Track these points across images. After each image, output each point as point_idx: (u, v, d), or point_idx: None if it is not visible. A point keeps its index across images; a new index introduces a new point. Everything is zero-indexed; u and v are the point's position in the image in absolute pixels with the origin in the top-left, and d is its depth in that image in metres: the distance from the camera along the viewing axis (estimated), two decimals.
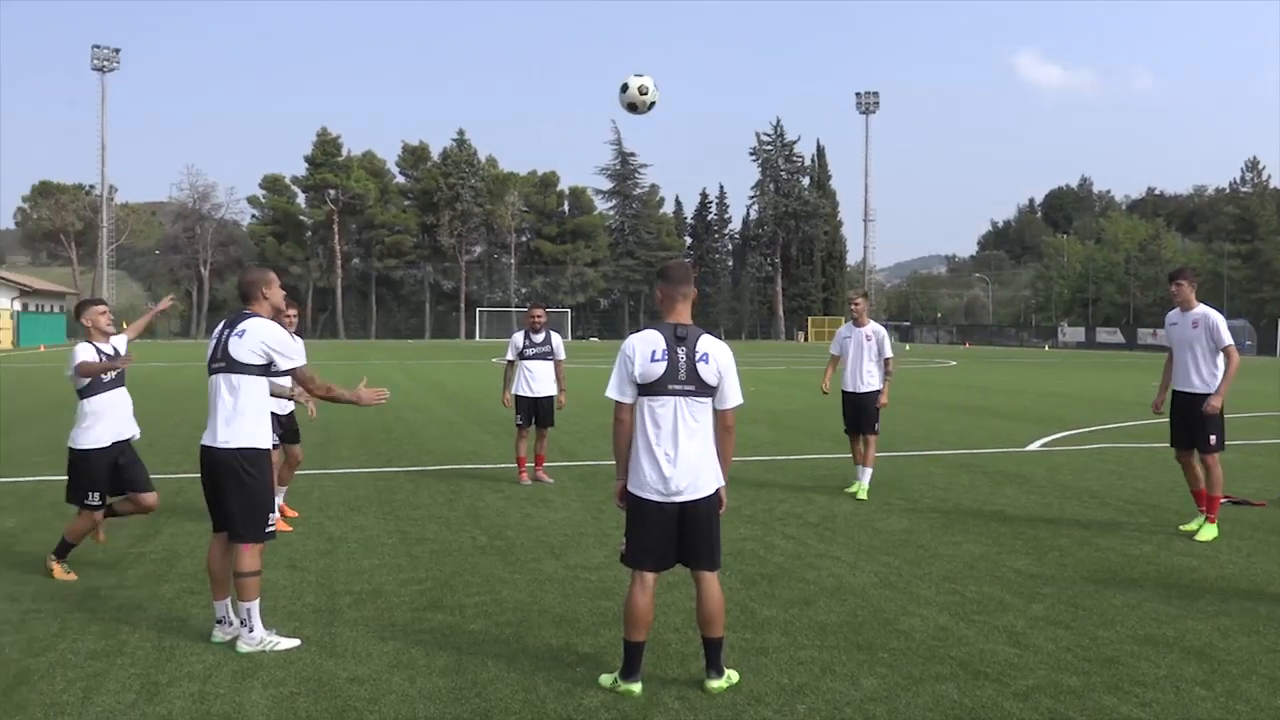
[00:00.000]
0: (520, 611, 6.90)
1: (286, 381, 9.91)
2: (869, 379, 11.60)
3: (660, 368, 5.33)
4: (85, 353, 7.71)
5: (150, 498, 8.01)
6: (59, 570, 7.71)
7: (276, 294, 6.61)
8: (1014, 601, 7.17)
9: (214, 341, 6.38)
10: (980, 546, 8.91)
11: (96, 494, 7.73)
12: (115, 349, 8.00)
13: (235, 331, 6.26)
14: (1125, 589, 7.51)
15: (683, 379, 5.35)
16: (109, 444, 7.74)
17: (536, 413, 12.23)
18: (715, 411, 5.50)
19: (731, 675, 5.52)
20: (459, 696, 5.37)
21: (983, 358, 60.33)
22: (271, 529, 6.32)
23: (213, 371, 6.29)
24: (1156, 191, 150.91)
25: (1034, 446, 15.98)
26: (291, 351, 6.39)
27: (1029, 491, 11.73)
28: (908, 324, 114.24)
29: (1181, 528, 9.61)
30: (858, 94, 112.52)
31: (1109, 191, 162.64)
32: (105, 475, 7.73)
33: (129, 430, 7.97)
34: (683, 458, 5.32)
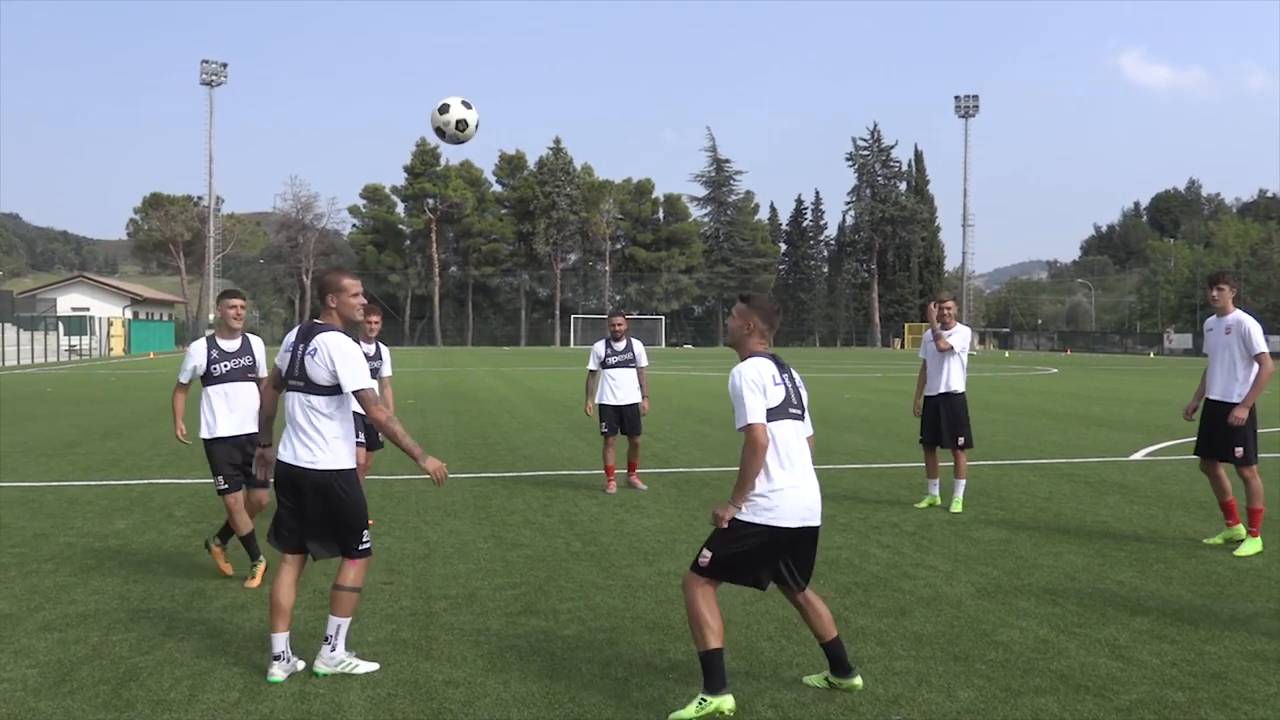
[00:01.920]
0: (613, 617, 6.93)
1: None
2: (954, 383, 11.10)
3: (780, 393, 5.36)
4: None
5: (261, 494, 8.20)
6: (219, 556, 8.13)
7: (348, 304, 6.03)
8: (1117, 614, 7.01)
9: (288, 355, 5.97)
10: (1082, 558, 8.72)
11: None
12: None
13: (308, 348, 5.89)
14: (1233, 602, 7.29)
15: (795, 403, 5.43)
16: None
17: (622, 420, 12.22)
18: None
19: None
20: (552, 701, 5.40)
21: (1085, 365, 59.04)
22: (368, 545, 5.95)
23: (290, 389, 5.93)
24: (1269, 194, 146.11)
25: (1138, 456, 15.59)
26: (352, 373, 5.83)
27: (1133, 501, 11.45)
28: (1007, 330, 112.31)
29: (1206, 541, 9.26)
30: (957, 97, 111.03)
31: (1218, 194, 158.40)
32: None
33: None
34: (807, 481, 5.34)
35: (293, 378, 5.91)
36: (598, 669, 5.90)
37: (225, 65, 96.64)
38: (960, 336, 11.12)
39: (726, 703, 5.11)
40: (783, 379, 5.39)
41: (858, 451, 15.90)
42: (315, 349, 5.85)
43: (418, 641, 6.39)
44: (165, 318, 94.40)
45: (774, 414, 5.30)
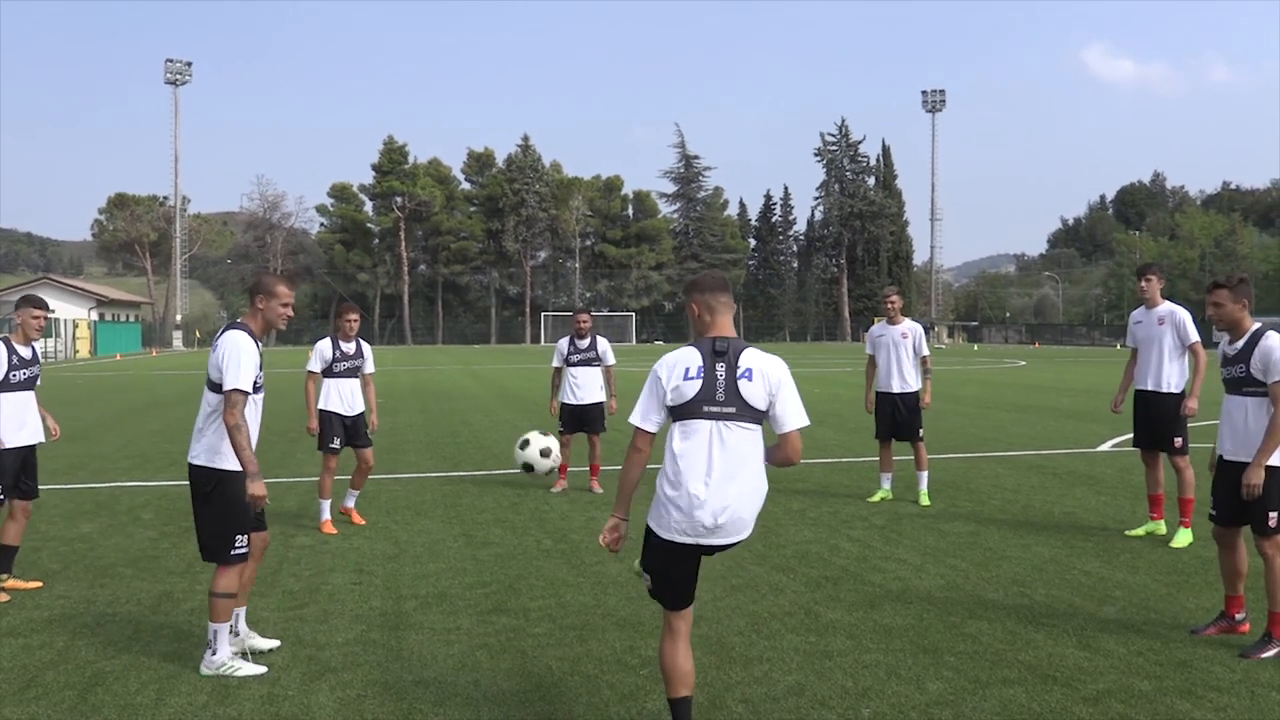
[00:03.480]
0: (584, 614, 6.92)
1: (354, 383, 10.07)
2: (907, 379, 11.13)
3: (694, 387, 4.59)
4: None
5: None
6: None
7: (275, 310, 6.13)
8: (1084, 604, 7.06)
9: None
10: (1050, 549, 8.79)
11: None
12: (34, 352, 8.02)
13: (213, 345, 6.00)
14: (1199, 592, 7.37)
15: (721, 399, 4.58)
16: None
17: (582, 420, 12.07)
18: (778, 437, 4.75)
19: None
20: (523, 699, 5.39)
21: (1053, 357, 59.47)
22: (240, 551, 5.91)
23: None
24: (1233, 186, 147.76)
25: (1105, 447, 15.72)
26: (231, 371, 5.77)
27: (1100, 493, 11.54)
28: (976, 324, 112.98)
29: (1129, 533, 9.31)
30: (924, 92, 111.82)
31: (1183, 187, 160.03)
32: None
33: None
34: (721, 493, 4.53)
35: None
36: (568, 666, 5.90)
37: (190, 64, 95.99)
38: (909, 329, 11.20)
39: None
40: (709, 369, 4.61)
41: (828, 446, 15.95)
42: (215, 345, 5.96)
43: (387, 642, 6.37)
44: (132, 319, 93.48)
45: (681, 412, 4.64)
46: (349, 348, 10.00)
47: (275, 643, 6.28)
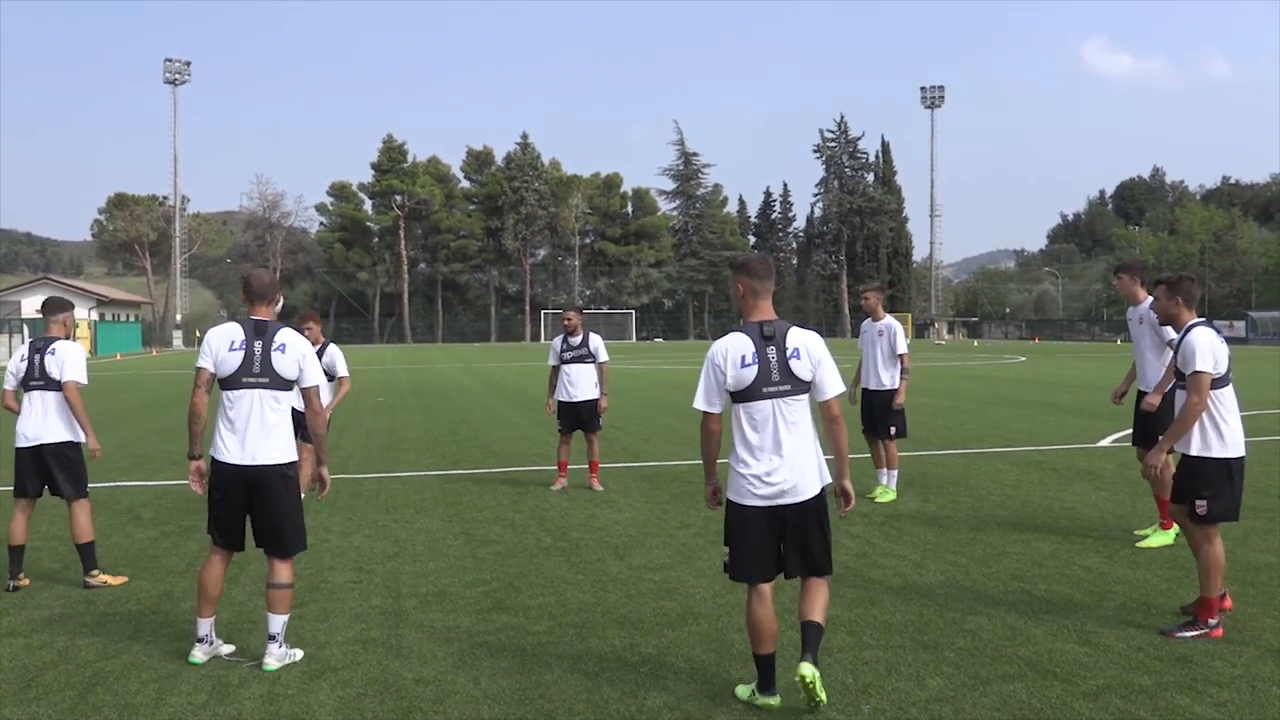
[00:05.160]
0: (584, 612, 6.92)
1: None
2: (882, 377, 11.13)
3: (751, 373, 5.14)
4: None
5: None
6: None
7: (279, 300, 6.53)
8: (1084, 600, 7.06)
9: (246, 355, 6.03)
10: (1050, 544, 8.78)
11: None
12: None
13: (275, 345, 6.06)
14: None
15: (777, 380, 5.15)
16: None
17: (578, 418, 12.01)
18: (818, 404, 5.28)
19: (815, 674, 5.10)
20: (523, 697, 5.39)
21: (1053, 353, 59.44)
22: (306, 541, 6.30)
23: (246, 386, 6.01)
24: (1232, 180, 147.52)
25: (1105, 442, 15.72)
26: (309, 369, 6.20)
27: (1100, 488, 11.54)
28: (975, 319, 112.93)
29: (1137, 533, 9.17)
30: (922, 88, 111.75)
31: (1182, 181, 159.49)
32: None
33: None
34: (787, 461, 5.16)
35: (253, 374, 6.04)
36: (568, 664, 5.89)
37: (189, 63, 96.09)
38: (885, 326, 11.16)
39: (774, 702, 5.23)
40: (762, 354, 5.15)
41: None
42: (284, 345, 6.10)
43: (387, 640, 6.37)
44: (132, 319, 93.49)
45: (743, 396, 5.17)
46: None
47: (232, 647, 6.23)
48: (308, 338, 10.04)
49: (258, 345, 6.03)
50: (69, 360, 7.78)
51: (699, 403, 5.25)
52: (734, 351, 5.18)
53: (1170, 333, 8.78)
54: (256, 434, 5.97)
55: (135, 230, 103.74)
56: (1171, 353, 8.83)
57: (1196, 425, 6.38)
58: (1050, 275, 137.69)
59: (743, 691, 5.36)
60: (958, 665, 5.79)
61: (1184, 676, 5.56)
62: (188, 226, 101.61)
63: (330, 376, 10.53)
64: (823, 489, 5.29)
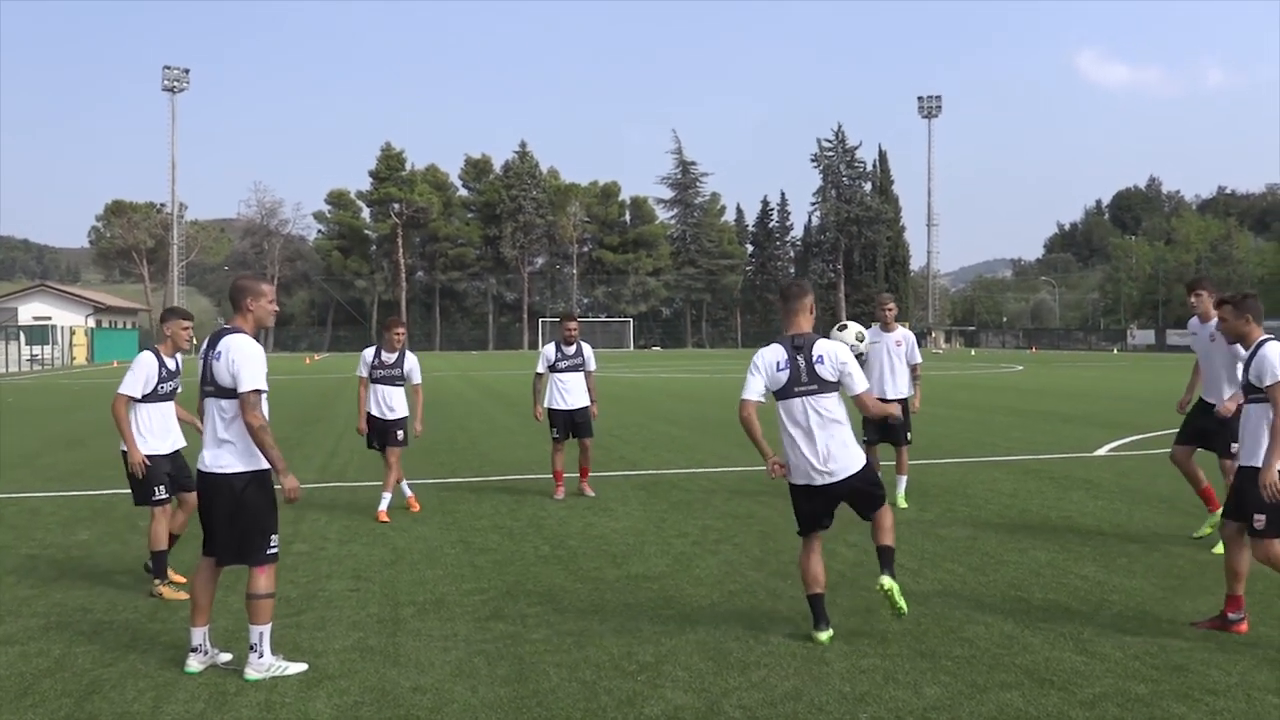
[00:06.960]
0: (582, 621, 6.92)
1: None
2: (898, 385, 11.26)
3: (785, 376, 6.43)
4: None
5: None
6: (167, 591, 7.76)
7: (265, 309, 6.24)
8: (1081, 608, 7.07)
9: (201, 362, 6.11)
10: (1047, 553, 8.79)
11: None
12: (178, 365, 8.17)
13: (214, 353, 6.03)
14: (1196, 596, 7.37)
15: (805, 381, 6.40)
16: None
17: (572, 425, 12.08)
18: (850, 399, 6.47)
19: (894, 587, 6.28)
20: (521, 706, 5.39)
21: (1050, 361, 59.51)
22: (274, 550, 6.06)
23: (204, 395, 6.08)
24: (1228, 190, 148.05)
25: (1102, 451, 15.73)
26: (247, 374, 5.92)
27: (1097, 497, 11.55)
28: (973, 328, 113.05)
29: (1194, 535, 9.32)
30: (920, 98, 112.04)
31: (1178, 191, 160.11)
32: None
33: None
34: (822, 446, 6.36)
35: (205, 383, 6.08)
36: (566, 672, 5.89)
37: (187, 71, 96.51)
38: (903, 337, 11.36)
39: (823, 637, 6.37)
40: (793, 361, 6.43)
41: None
42: (220, 353, 6.00)
43: (384, 648, 6.37)
44: (129, 326, 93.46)
45: (780, 394, 6.46)
46: (389, 357, 11.14)
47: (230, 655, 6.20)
48: (396, 343, 11.07)
49: (210, 354, 6.06)
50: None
51: (745, 392, 6.50)
52: (770, 358, 6.51)
53: (1241, 350, 8.81)
54: (211, 442, 6.04)
55: (133, 237, 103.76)
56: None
57: (1266, 436, 6.43)
58: (1047, 284, 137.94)
59: (823, 637, 6.39)
60: (955, 674, 5.79)
61: (1180, 685, 5.57)
62: (185, 234, 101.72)
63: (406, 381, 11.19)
64: (867, 463, 6.52)
